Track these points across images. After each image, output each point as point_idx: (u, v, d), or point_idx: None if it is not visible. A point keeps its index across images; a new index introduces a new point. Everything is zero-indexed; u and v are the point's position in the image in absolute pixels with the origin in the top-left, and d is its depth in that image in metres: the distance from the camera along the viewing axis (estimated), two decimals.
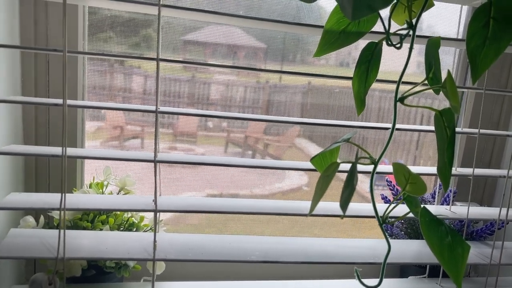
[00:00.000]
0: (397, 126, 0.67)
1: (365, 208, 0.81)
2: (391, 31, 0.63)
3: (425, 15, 0.63)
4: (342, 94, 1.06)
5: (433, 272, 0.94)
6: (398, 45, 0.61)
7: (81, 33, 0.85)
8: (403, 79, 0.64)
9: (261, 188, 1.11)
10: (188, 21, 0.93)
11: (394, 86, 0.64)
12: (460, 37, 0.97)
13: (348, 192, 0.57)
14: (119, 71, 0.95)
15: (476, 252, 0.87)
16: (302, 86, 1.05)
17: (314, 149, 1.08)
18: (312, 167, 0.71)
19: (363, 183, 1.13)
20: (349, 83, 1.04)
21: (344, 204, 0.56)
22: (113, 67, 0.94)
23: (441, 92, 0.62)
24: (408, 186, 0.64)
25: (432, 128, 0.82)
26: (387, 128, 0.77)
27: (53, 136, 0.87)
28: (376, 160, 0.65)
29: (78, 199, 0.72)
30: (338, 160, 0.66)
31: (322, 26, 0.68)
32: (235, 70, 1.00)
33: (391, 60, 0.96)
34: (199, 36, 0.95)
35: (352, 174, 0.58)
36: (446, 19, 1.01)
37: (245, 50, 1.00)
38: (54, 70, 0.84)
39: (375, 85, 0.69)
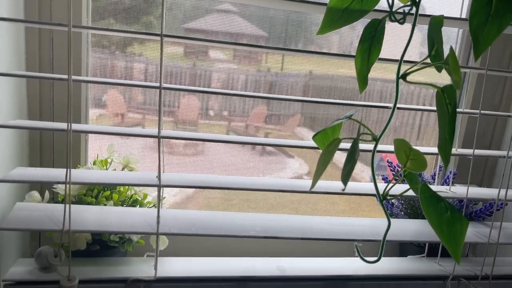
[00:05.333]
0: (398, 105, 0.68)
1: (366, 187, 0.82)
2: (393, 10, 0.63)
3: None
4: (344, 82, 1.06)
5: (432, 251, 0.95)
6: (401, 20, 0.61)
7: (85, 10, 0.85)
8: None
9: (261, 176, 1.12)
10: (189, 8, 0.93)
11: (389, 71, 0.64)
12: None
13: (349, 167, 0.58)
14: (121, 58, 0.95)
15: (475, 232, 0.88)
16: (304, 74, 1.05)
17: None
18: (314, 145, 0.72)
19: (357, 168, 1.13)
20: (351, 71, 1.06)
21: (345, 178, 0.57)
22: (115, 55, 0.94)
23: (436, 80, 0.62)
24: (409, 162, 0.65)
25: (433, 107, 0.83)
26: (387, 107, 0.77)
27: (58, 113, 0.87)
28: (378, 137, 0.66)
29: (83, 174, 0.73)
30: (340, 137, 0.67)
31: (325, 4, 0.68)
32: (236, 58, 1.00)
33: (389, 45, 0.96)
34: (200, 24, 0.95)
35: (354, 149, 0.59)
36: (449, 2, 1.01)
37: (246, 38, 1.00)
38: (58, 47, 0.85)
39: (374, 73, 0.69)
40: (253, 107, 1.09)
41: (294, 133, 1.11)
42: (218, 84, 1.03)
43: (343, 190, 0.54)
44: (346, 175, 0.57)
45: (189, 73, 1.00)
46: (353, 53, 0.66)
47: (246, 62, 1.04)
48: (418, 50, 1.08)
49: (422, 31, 1.05)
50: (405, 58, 0.65)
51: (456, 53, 1.01)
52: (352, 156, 0.58)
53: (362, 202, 1.17)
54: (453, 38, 1.04)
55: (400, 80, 0.64)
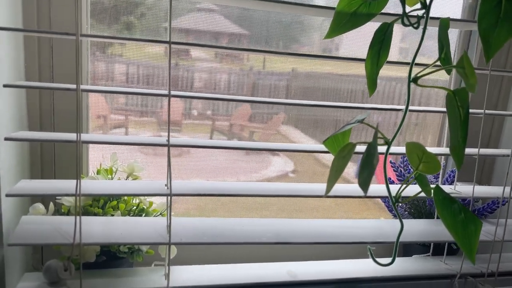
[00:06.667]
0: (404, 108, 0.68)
1: (376, 189, 0.82)
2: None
3: None
4: (326, 79, 1.06)
5: (437, 250, 0.96)
6: (416, 24, 0.62)
7: (85, 17, 0.83)
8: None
9: (248, 176, 1.12)
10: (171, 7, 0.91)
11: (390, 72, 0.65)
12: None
13: (367, 172, 0.58)
14: (102, 59, 0.93)
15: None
16: (286, 73, 1.05)
17: (299, 136, 1.09)
18: (325, 149, 0.72)
19: (348, 168, 1.14)
20: (332, 68, 1.06)
21: (364, 184, 0.57)
22: (95, 56, 0.92)
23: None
24: (421, 165, 0.66)
25: (442, 109, 0.84)
26: (398, 109, 0.77)
27: (58, 123, 0.85)
28: (390, 140, 0.66)
29: (92, 185, 0.71)
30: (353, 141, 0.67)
31: (333, 8, 0.68)
32: (218, 57, 0.99)
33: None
34: (181, 23, 0.94)
35: (371, 154, 0.59)
36: (449, 3, 1.02)
37: (227, 37, 0.99)
38: (57, 55, 0.83)
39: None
40: (237, 106, 1.08)
41: (279, 132, 1.11)
42: (201, 83, 1.02)
43: (365, 195, 0.54)
44: (364, 181, 0.57)
45: (171, 74, 0.98)
46: (334, 50, 0.66)
47: (228, 61, 1.03)
48: (398, 45, 1.09)
49: (401, 27, 1.06)
50: (395, 58, 0.65)
51: (456, 54, 1.02)
52: (370, 162, 0.58)
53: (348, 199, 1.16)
54: (452, 39, 1.05)
55: (395, 81, 0.64)
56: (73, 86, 0.62)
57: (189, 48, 0.98)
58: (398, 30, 1.08)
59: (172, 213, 1.04)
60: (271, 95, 1.05)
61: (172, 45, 0.65)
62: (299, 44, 1.05)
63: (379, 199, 1.11)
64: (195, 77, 1.01)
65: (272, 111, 1.09)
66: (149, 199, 0.86)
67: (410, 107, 0.74)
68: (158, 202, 0.87)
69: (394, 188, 0.70)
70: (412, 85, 0.65)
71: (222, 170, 1.07)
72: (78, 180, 0.65)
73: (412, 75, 0.65)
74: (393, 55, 1.06)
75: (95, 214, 0.78)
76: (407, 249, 1.04)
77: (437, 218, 0.94)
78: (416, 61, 0.65)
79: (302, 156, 1.14)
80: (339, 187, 0.79)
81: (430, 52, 1.04)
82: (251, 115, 1.10)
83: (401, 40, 1.10)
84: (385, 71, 1.08)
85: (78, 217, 0.65)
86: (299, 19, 1.01)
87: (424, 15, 0.62)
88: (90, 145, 0.92)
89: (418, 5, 0.64)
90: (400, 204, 1.00)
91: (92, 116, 0.96)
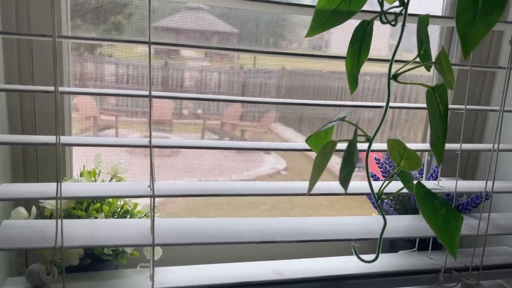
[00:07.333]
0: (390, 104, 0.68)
1: (359, 186, 0.82)
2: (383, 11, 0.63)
3: None
4: (317, 76, 1.06)
5: (422, 245, 0.96)
6: (393, 22, 0.62)
7: (65, 18, 0.83)
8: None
9: (239, 174, 1.12)
10: (158, 6, 0.91)
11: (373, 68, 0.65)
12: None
13: (347, 170, 0.58)
14: (90, 60, 0.92)
15: (464, 224, 0.90)
16: (277, 71, 1.05)
17: (290, 134, 1.09)
18: (307, 147, 0.72)
19: (338, 164, 1.14)
20: (323, 65, 1.06)
21: (344, 181, 0.57)
22: (83, 56, 0.92)
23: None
24: (402, 161, 0.66)
25: (422, 105, 0.84)
26: (379, 107, 0.78)
27: (40, 125, 0.84)
28: (371, 138, 0.66)
29: (74, 188, 0.71)
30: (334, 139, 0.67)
31: (313, 6, 0.68)
32: (208, 56, 0.99)
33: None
34: (169, 23, 0.93)
35: (351, 152, 0.59)
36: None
37: (216, 35, 0.99)
38: (37, 56, 0.82)
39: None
40: (228, 104, 1.08)
41: (270, 130, 1.11)
42: (191, 82, 1.01)
43: (345, 192, 0.54)
44: (345, 179, 0.57)
45: (161, 73, 0.98)
46: (324, 47, 0.66)
47: (218, 59, 1.03)
48: (387, 42, 1.10)
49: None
50: (385, 54, 0.65)
51: (437, 50, 1.03)
52: (350, 159, 0.58)
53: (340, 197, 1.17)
54: (434, 36, 1.05)
55: (382, 77, 0.65)
56: (51, 88, 0.62)
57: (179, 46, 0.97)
58: (387, 26, 1.09)
59: (163, 214, 1.05)
60: (262, 93, 1.05)
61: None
62: (288, 41, 1.05)
63: None
64: (185, 75, 1.01)
65: (264, 109, 1.09)
66: (134, 200, 0.85)
67: (391, 104, 0.74)
68: (144, 203, 0.86)
69: (377, 185, 0.70)
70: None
71: (214, 168, 1.07)
72: (59, 183, 0.64)
73: (393, 72, 0.65)
74: (382, 51, 1.06)
75: (78, 217, 0.77)
76: (394, 245, 1.04)
77: None
78: (404, 57, 0.66)
79: (293, 153, 1.14)
80: (322, 185, 0.79)
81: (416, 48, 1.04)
82: (242, 114, 1.10)
83: (391, 37, 1.10)
84: (374, 67, 1.08)
85: (59, 220, 0.65)
86: (288, 16, 1.01)
87: (402, 12, 0.62)
88: (75, 146, 0.92)
89: (397, 3, 0.65)
90: (386, 200, 1.01)
91: (81, 117, 0.95)
